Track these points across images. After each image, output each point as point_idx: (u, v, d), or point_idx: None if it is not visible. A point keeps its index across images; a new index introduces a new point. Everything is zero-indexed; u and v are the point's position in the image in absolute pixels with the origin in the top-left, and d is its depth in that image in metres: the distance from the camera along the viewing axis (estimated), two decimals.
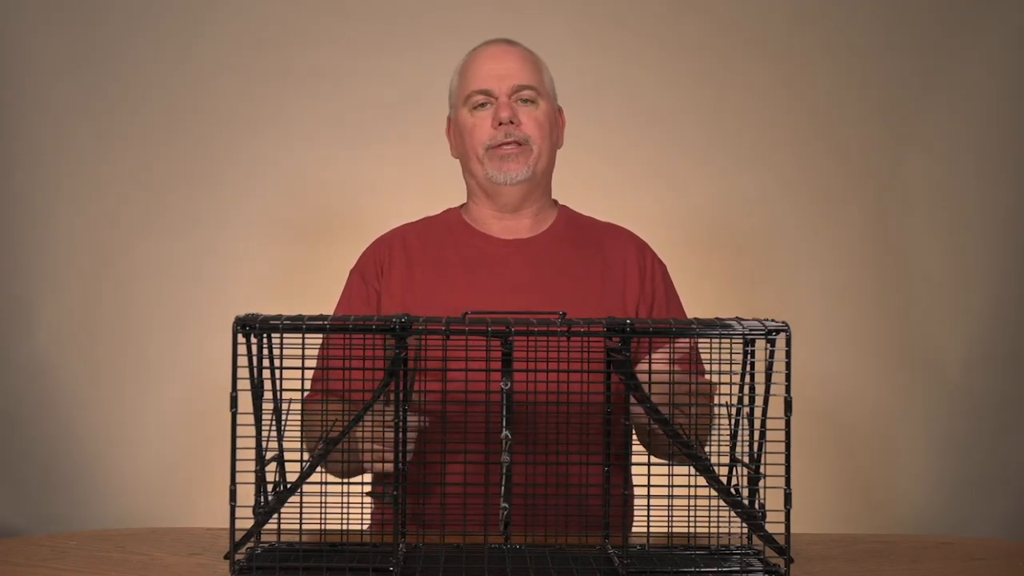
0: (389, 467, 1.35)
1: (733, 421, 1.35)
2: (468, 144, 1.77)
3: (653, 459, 1.31)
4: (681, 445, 1.26)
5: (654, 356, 1.35)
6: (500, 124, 1.73)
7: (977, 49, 2.82)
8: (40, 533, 2.25)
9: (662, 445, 1.32)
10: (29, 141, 2.77)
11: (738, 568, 1.29)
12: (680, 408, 1.31)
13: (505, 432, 1.27)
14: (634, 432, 1.34)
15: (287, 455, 1.33)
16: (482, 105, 1.76)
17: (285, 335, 1.27)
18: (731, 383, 1.35)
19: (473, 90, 1.76)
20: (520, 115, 1.75)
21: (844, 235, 2.85)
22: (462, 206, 1.87)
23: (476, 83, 1.76)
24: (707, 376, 1.35)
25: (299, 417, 1.31)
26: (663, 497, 1.30)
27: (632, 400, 1.28)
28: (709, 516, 1.33)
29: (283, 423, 1.32)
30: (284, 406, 1.31)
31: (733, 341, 1.32)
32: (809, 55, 2.85)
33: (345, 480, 1.30)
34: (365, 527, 1.34)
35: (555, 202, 1.87)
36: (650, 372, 1.29)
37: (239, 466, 1.24)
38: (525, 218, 1.81)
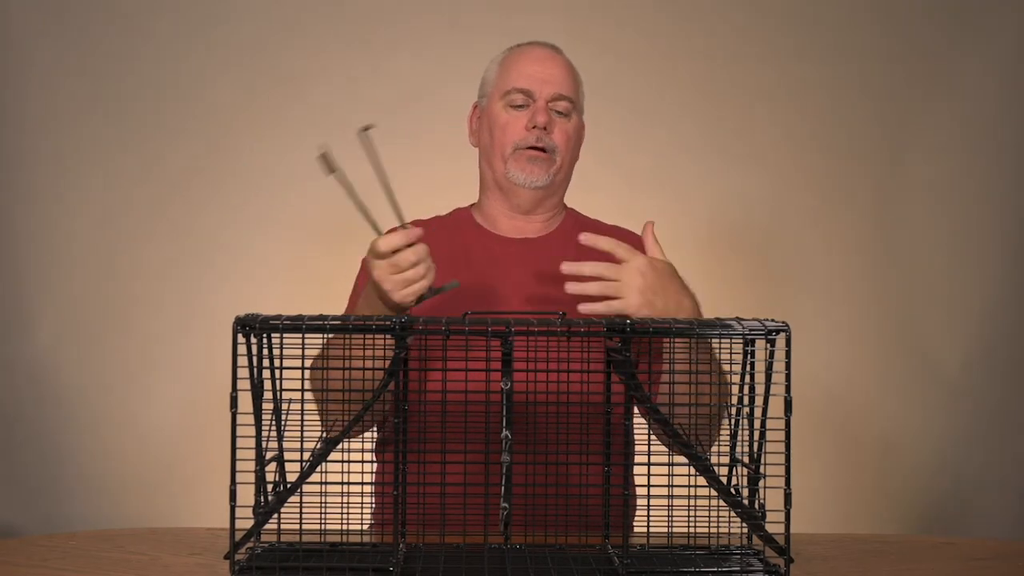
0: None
1: (733, 421, 1.35)
2: (496, 139, 1.77)
3: (653, 459, 1.31)
4: (681, 446, 1.26)
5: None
6: (534, 128, 1.74)
7: (977, 53, 2.83)
8: (40, 533, 2.25)
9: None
10: (31, 142, 2.77)
11: (738, 568, 1.30)
12: (689, 405, 1.31)
13: (505, 432, 1.27)
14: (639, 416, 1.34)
15: (287, 455, 1.33)
16: (519, 105, 1.76)
17: (285, 335, 1.27)
18: (731, 383, 1.35)
19: (514, 87, 1.76)
20: (554, 124, 1.76)
21: (844, 236, 2.85)
22: (472, 205, 1.88)
23: (519, 81, 1.76)
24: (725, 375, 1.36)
25: (299, 417, 1.31)
26: (663, 497, 1.30)
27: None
28: (709, 516, 1.33)
29: (283, 423, 1.32)
30: (284, 406, 1.31)
31: (733, 341, 1.32)
32: (809, 59, 2.85)
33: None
34: (365, 527, 1.35)
35: (564, 206, 1.88)
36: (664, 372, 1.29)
37: (239, 466, 1.24)
38: (535, 221, 1.82)
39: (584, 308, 1.48)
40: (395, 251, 1.47)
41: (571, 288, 1.51)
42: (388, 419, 1.44)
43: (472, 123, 1.86)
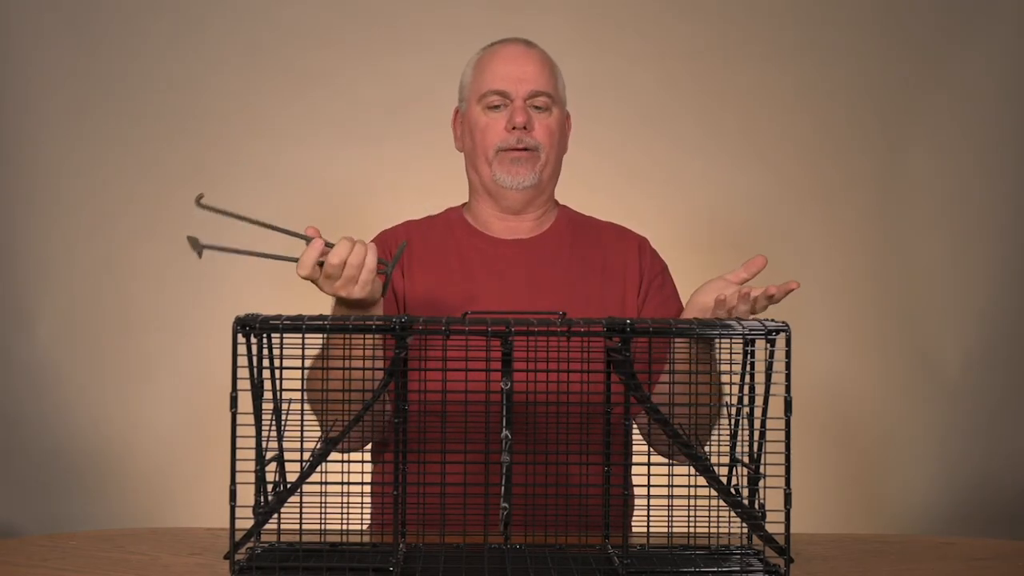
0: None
1: (733, 421, 1.35)
2: (478, 143, 1.76)
3: (653, 459, 1.31)
4: (681, 445, 1.26)
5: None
6: (514, 128, 1.73)
7: (976, 50, 2.83)
8: (40, 533, 2.25)
9: (663, 443, 1.32)
10: (30, 142, 2.77)
11: (738, 568, 1.29)
12: (689, 405, 1.31)
13: (505, 432, 1.27)
14: (635, 427, 1.34)
15: (287, 455, 1.33)
16: (496, 106, 1.75)
17: (285, 335, 1.27)
18: (731, 383, 1.35)
19: (489, 89, 1.75)
20: (533, 121, 1.74)
21: (844, 235, 2.85)
22: (463, 205, 1.87)
23: (493, 83, 1.75)
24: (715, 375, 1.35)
25: (299, 417, 1.31)
26: (663, 497, 1.30)
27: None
28: (709, 516, 1.33)
29: (283, 423, 1.32)
30: (284, 406, 1.31)
31: (733, 341, 1.32)
32: (809, 56, 2.85)
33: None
34: (365, 527, 1.35)
35: (556, 202, 1.87)
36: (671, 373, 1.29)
37: (239, 466, 1.24)
38: (527, 220, 1.81)
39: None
40: (319, 266, 1.47)
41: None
42: (388, 421, 1.44)
43: (456, 128, 1.85)
